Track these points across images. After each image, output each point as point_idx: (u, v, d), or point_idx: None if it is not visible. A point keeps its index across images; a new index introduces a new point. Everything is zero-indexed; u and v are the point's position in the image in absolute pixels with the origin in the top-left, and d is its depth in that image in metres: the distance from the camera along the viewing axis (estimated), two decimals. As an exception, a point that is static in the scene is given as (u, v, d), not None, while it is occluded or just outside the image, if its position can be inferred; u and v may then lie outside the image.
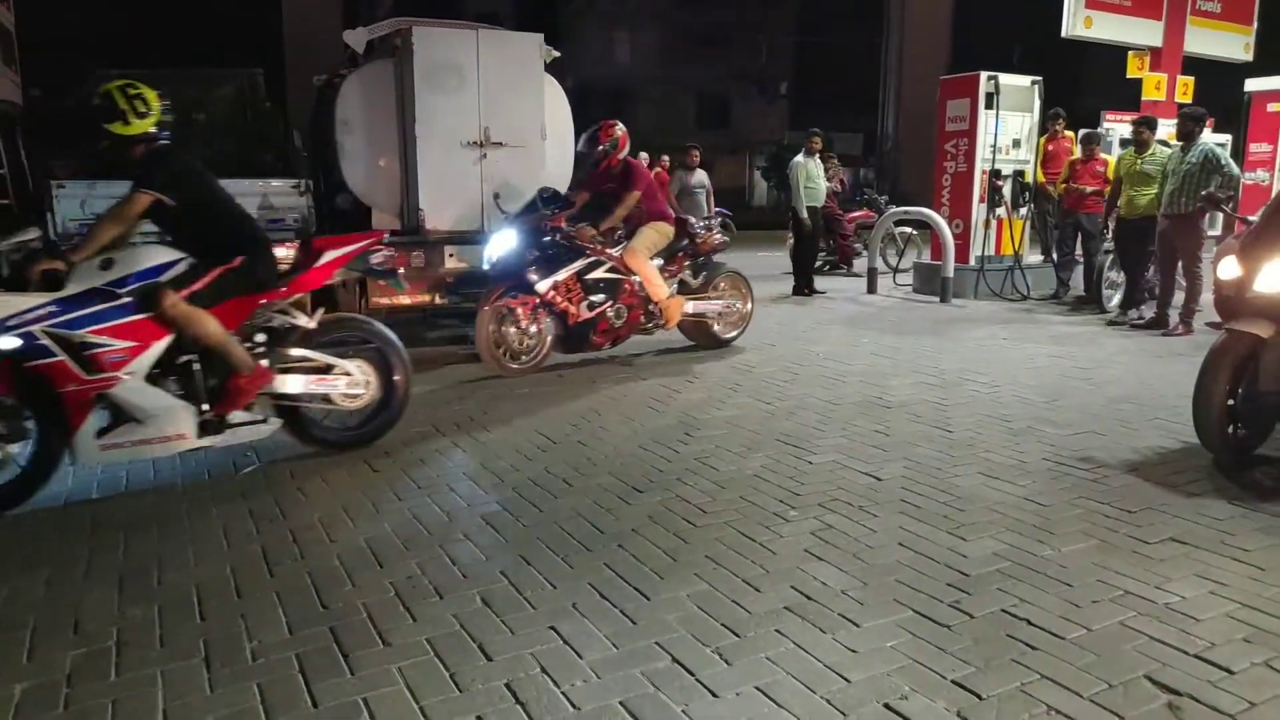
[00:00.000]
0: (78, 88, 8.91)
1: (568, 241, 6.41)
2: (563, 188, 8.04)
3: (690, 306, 7.08)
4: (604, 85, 35.01)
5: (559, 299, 6.37)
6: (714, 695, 2.48)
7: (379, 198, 7.46)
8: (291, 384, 4.36)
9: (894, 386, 6.04)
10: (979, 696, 2.46)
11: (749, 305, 7.57)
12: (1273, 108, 12.11)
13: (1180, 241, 7.80)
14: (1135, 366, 6.68)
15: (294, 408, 4.44)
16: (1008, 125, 10.24)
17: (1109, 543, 3.47)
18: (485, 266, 6.63)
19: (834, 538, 3.54)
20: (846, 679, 2.55)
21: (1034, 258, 10.83)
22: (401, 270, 7.03)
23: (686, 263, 7.11)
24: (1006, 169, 10.26)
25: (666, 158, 16.22)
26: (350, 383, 4.52)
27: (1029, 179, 10.44)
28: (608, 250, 6.63)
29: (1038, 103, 10.48)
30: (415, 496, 4.03)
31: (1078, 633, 2.79)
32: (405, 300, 7.16)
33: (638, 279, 6.69)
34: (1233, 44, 12.00)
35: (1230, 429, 4.34)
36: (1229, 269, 4.52)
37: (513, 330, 6.34)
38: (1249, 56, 12.18)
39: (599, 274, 6.56)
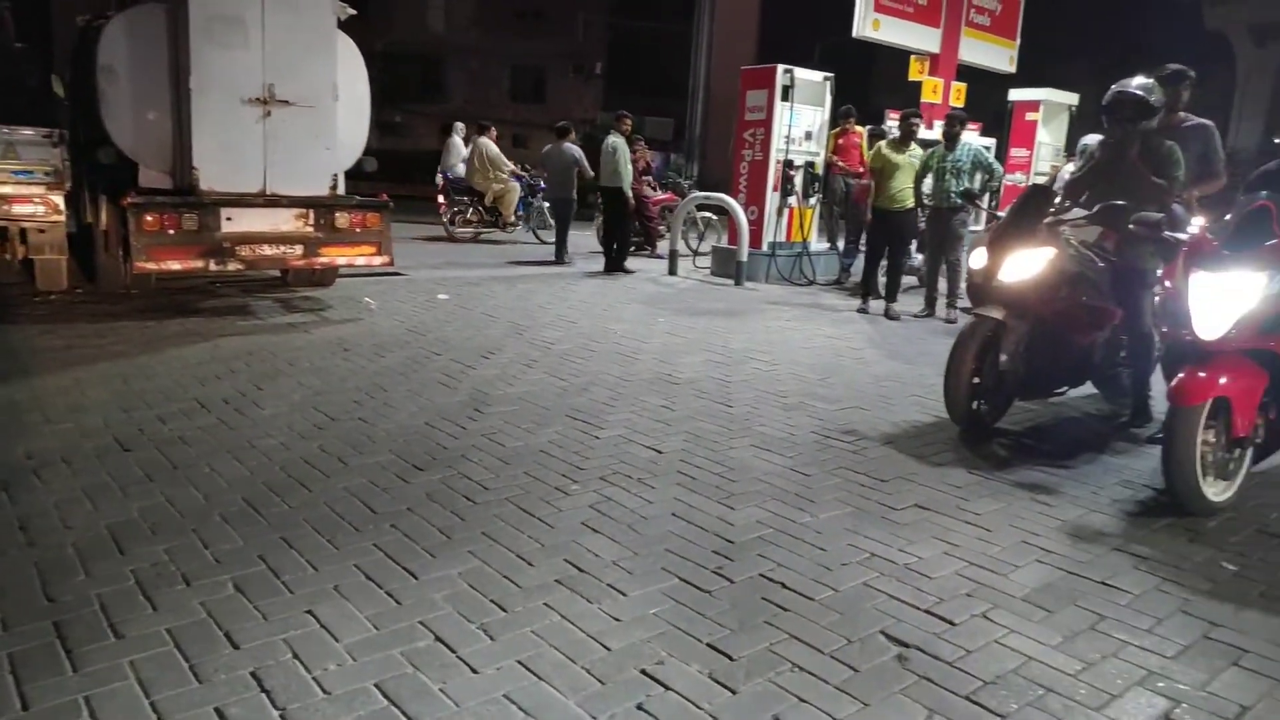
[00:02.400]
0: None
1: None
2: (357, 153, 7.70)
3: None
4: (416, 52, 33.82)
5: None
6: (474, 671, 2.45)
7: (147, 154, 6.86)
8: None
9: (683, 364, 6.22)
10: (730, 658, 2.57)
11: None
12: (1030, 116, 13.40)
13: (946, 232, 8.47)
14: (903, 348, 7.22)
15: None
16: (802, 118, 10.74)
17: (862, 509, 3.74)
18: None
19: (611, 510, 3.60)
20: (607, 648, 2.60)
21: (821, 245, 11.46)
22: (172, 232, 6.52)
23: None
24: (799, 160, 10.77)
25: (494, 129, 15.76)
26: None
27: (819, 170, 11.01)
28: None
29: (829, 98, 11.05)
30: (169, 478, 3.74)
31: (826, 593, 2.98)
32: (175, 266, 6.62)
33: None
34: (999, 56, 13.15)
35: (974, 404, 4.78)
36: (979, 259, 4.95)
37: None
38: (1012, 69, 13.40)
39: None
